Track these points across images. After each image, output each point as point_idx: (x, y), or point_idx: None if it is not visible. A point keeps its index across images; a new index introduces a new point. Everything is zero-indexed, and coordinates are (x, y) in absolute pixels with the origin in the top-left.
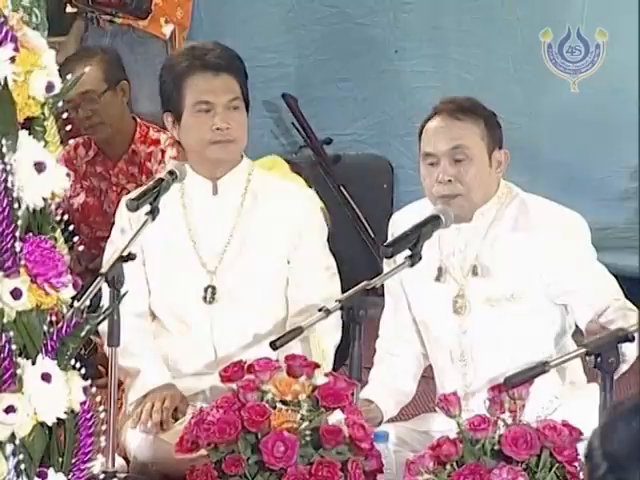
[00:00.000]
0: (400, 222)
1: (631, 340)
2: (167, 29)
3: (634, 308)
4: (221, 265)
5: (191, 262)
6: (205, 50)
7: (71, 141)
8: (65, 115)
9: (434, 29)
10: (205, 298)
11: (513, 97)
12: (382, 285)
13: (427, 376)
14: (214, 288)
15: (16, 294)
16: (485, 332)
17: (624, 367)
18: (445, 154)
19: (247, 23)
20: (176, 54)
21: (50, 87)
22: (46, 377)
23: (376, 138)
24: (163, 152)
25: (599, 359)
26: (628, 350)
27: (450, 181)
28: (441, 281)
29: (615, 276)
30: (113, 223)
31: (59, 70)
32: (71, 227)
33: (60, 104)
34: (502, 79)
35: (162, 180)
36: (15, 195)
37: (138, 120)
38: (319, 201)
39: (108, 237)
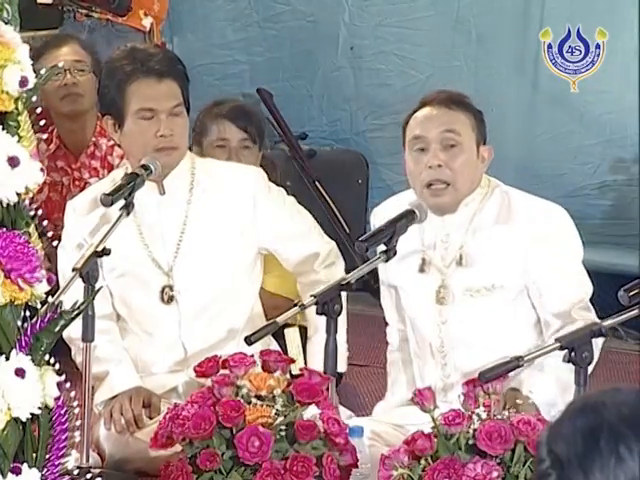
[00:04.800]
0: (381, 215)
1: (604, 335)
2: (147, 21)
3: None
4: (176, 265)
5: (145, 265)
6: (148, 54)
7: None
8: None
9: (388, 27)
10: (164, 299)
11: (469, 95)
12: (356, 280)
13: None
14: (171, 288)
15: None
16: (465, 322)
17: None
18: (436, 139)
19: (205, 19)
20: (117, 57)
21: (24, 82)
22: (20, 373)
23: (339, 134)
24: None
25: (573, 353)
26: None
27: (440, 166)
28: (425, 272)
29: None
30: None
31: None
32: (45, 222)
33: (34, 99)
34: (457, 77)
35: (137, 175)
36: None
37: (98, 114)
38: (265, 175)
39: None
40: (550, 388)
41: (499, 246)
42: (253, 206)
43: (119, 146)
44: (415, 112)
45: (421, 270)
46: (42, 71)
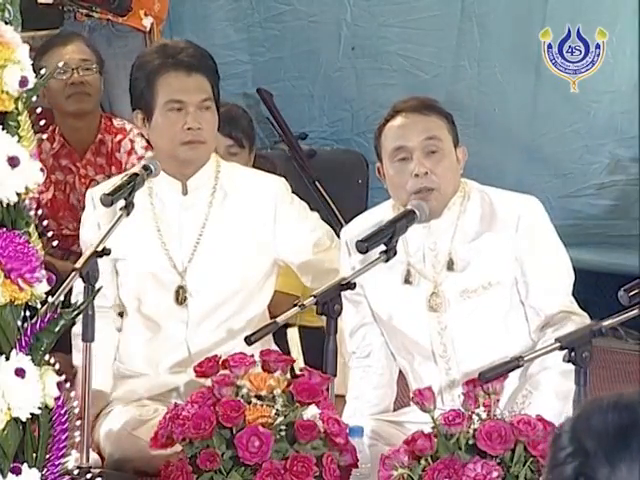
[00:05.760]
0: (353, 232)
1: (604, 335)
2: (147, 21)
3: (582, 314)
4: (191, 266)
5: (161, 263)
6: (178, 49)
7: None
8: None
9: (391, 27)
10: (177, 299)
11: (471, 95)
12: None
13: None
14: (185, 289)
15: None
16: (466, 325)
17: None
18: (418, 147)
19: (206, 19)
20: (148, 52)
21: (24, 82)
22: (20, 372)
23: (341, 135)
24: (132, 142)
25: (573, 353)
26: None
27: (426, 174)
28: (411, 283)
29: (582, 271)
30: (80, 219)
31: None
32: (45, 222)
33: (34, 99)
34: (459, 77)
35: (137, 175)
36: None
37: (101, 112)
38: (289, 186)
39: (75, 234)
40: (551, 404)
41: (488, 245)
42: (274, 217)
43: (147, 141)
44: (388, 121)
45: (406, 281)
46: (42, 71)
